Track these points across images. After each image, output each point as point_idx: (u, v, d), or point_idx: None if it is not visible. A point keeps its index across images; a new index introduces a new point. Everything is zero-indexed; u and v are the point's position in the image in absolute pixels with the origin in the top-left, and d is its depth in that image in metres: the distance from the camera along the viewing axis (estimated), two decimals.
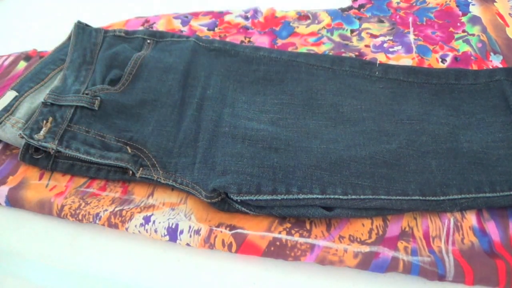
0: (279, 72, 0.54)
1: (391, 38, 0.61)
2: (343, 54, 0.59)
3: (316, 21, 0.66)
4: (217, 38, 0.63)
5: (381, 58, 0.58)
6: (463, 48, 0.59)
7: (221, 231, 0.41)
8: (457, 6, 0.66)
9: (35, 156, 0.47)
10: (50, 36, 0.66)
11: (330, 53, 0.59)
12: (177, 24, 0.67)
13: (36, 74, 0.54)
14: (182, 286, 0.39)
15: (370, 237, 0.40)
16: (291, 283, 0.39)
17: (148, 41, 0.59)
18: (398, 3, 0.68)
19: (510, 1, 0.66)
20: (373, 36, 0.62)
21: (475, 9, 0.65)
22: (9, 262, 0.44)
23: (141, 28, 0.67)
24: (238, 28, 0.65)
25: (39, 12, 0.75)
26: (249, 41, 0.63)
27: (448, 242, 0.39)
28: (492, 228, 0.40)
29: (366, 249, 0.39)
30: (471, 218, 0.41)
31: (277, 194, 0.41)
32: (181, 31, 0.66)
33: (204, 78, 0.54)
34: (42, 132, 0.46)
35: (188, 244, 0.41)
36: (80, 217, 0.43)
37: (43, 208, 0.44)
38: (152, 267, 0.41)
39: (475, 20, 0.63)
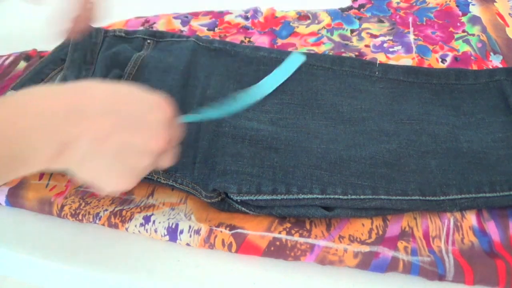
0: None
1: (391, 38, 0.61)
2: (343, 54, 0.59)
3: (316, 21, 0.66)
4: (217, 38, 0.63)
5: (381, 58, 0.58)
6: (463, 48, 0.59)
7: (221, 231, 0.41)
8: (457, 6, 0.66)
9: None
10: (50, 36, 0.66)
11: (330, 53, 0.59)
12: (177, 24, 0.67)
13: (36, 74, 0.54)
14: (182, 286, 0.39)
15: (370, 237, 0.40)
16: (291, 283, 0.39)
17: (148, 41, 0.59)
18: (398, 3, 0.68)
19: (510, 1, 0.66)
20: (373, 36, 0.62)
21: (475, 9, 0.65)
22: (9, 262, 0.44)
23: (141, 28, 0.67)
24: (238, 28, 0.65)
25: (39, 12, 0.75)
26: (249, 41, 0.63)
27: (448, 242, 0.39)
28: (492, 228, 0.40)
29: (366, 249, 0.39)
30: (471, 218, 0.41)
31: (277, 194, 0.41)
32: (181, 31, 0.66)
33: (204, 78, 0.54)
34: None
35: (188, 244, 0.41)
36: (80, 217, 0.43)
37: (43, 208, 0.44)
38: (152, 267, 0.41)
39: (475, 20, 0.63)
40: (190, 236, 0.41)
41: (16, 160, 0.28)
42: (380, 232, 0.40)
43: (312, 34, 0.63)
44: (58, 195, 0.45)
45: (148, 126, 0.32)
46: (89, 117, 0.30)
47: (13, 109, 0.28)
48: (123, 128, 0.31)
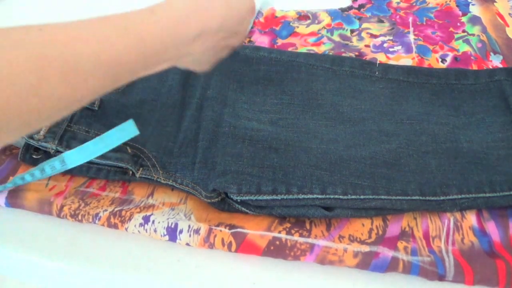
0: (279, 72, 0.54)
1: (391, 38, 0.61)
2: (343, 54, 0.59)
3: (316, 21, 0.66)
4: None
5: (381, 58, 0.58)
6: (463, 48, 0.59)
7: (221, 230, 0.40)
8: (457, 6, 0.66)
9: (35, 156, 0.47)
10: None
11: (330, 53, 0.59)
12: None
13: None
14: (182, 286, 0.39)
15: (370, 237, 0.40)
16: (291, 283, 0.39)
17: None
18: (398, 3, 0.68)
19: (510, 1, 0.66)
20: (373, 36, 0.62)
21: (475, 9, 0.65)
22: (9, 261, 0.44)
23: None
24: None
25: (39, 12, 0.75)
26: (249, 41, 0.63)
27: (448, 242, 0.39)
28: (492, 228, 0.40)
29: (366, 248, 0.39)
30: (471, 218, 0.41)
31: (277, 194, 0.41)
32: None
33: (204, 78, 0.54)
34: (42, 132, 0.46)
35: (187, 244, 0.41)
36: (79, 217, 0.43)
37: (43, 208, 0.44)
38: (152, 267, 0.41)
39: (475, 20, 0.63)
40: (190, 235, 0.41)
41: (153, 56, 0.35)
42: (380, 232, 0.40)
43: (312, 34, 0.63)
44: (57, 195, 0.45)
45: (242, 32, 0.44)
46: (206, 34, 0.39)
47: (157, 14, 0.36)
48: (227, 38, 0.42)
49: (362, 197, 0.41)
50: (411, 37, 0.61)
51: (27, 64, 0.28)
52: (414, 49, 0.59)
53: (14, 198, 0.45)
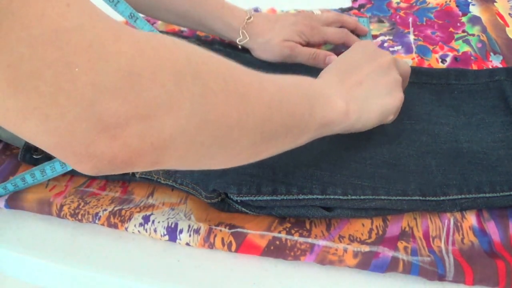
0: (279, 72, 0.54)
1: (391, 38, 0.61)
2: None
3: None
4: (217, 38, 0.63)
5: None
6: (463, 48, 0.59)
7: (221, 230, 0.40)
8: (457, 6, 0.66)
9: (35, 156, 0.47)
10: None
11: None
12: None
13: None
14: (182, 286, 0.39)
15: (370, 237, 0.40)
16: (291, 283, 0.39)
17: None
18: (398, 3, 0.68)
19: (510, 1, 0.66)
20: (373, 36, 0.62)
21: (475, 9, 0.65)
22: (9, 262, 0.44)
23: None
24: None
25: None
26: None
27: (448, 242, 0.39)
28: (492, 228, 0.40)
29: (366, 248, 0.39)
30: (471, 218, 0.41)
31: (277, 194, 0.41)
32: (181, 31, 0.66)
33: None
34: None
35: (187, 244, 0.41)
36: (79, 216, 0.43)
37: (43, 209, 0.44)
38: (152, 267, 0.41)
39: (475, 20, 0.63)
40: (190, 235, 0.41)
41: (304, 123, 0.37)
42: (380, 232, 0.40)
43: None
44: (57, 195, 0.45)
45: (393, 89, 0.44)
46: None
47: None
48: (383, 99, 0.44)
49: (362, 197, 0.41)
50: (411, 37, 0.61)
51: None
52: (414, 49, 0.59)
53: (14, 200, 0.45)
